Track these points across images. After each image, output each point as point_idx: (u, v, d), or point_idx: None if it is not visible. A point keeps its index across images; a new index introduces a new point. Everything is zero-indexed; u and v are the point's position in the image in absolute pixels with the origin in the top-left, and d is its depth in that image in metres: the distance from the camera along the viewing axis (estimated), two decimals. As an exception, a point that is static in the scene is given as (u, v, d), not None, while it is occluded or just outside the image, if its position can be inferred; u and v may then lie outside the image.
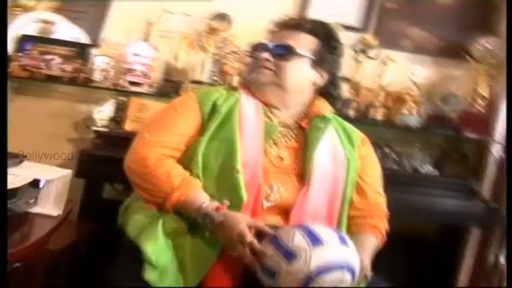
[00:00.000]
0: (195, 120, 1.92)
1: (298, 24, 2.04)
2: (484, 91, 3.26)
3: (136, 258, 1.62)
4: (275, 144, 1.95)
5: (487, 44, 3.26)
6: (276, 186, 1.86)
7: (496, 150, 3.23)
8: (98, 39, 3.19)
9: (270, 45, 1.99)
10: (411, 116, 3.20)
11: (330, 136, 1.99)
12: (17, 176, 1.82)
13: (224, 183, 1.80)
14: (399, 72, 3.30)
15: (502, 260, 2.96)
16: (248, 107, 1.95)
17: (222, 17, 3.21)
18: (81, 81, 2.98)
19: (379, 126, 3.10)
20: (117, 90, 2.95)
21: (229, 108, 1.92)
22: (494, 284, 3.01)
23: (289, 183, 1.88)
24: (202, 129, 1.90)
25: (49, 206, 2.01)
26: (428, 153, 3.17)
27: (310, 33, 2.01)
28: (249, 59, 2.11)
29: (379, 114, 3.20)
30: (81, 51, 3.04)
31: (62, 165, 2.25)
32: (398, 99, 3.32)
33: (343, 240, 1.64)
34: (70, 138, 3.11)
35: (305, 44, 1.99)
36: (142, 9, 3.18)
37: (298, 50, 1.96)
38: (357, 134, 2.09)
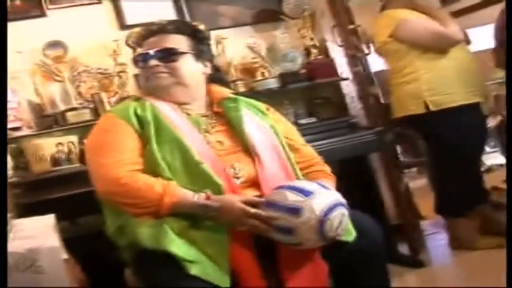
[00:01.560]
0: (131, 134, 1.96)
1: (161, 28, 2.16)
2: (312, 41, 3.62)
3: (169, 262, 1.69)
4: (207, 132, 2.07)
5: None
6: (236, 165, 1.99)
7: (345, 84, 3.66)
8: None
9: (152, 52, 2.08)
10: (267, 80, 3.45)
11: (245, 112, 2.16)
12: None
13: (195, 177, 1.89)
14: (234, 47, 3.53)
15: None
16: (167, 109, 2.04)
17: (54, 45, 3.17)
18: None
19: (247, 97, 3.30)
20: None
21: (152, 114, 2.00)
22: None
23: (243, 160, 2.02)
24: (140, 140, 1.96)
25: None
26: (297, 106, 3.49)
27: (176, 33, 2.15)
28: (139, 70, 2.18)
29: (240, 87, 3.39)
30: None
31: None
32: (247, 70, 3.58)
33: (323, 186, 1.86)
34: None
35: (179, 43, 2.12)
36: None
37: (179, 49, 2.09)
38: (260, 104, 2.28)
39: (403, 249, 3.30)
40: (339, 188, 2.01)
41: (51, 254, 1.62)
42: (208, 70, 2.19)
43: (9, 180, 2.63)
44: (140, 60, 2.11)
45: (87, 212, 2.44)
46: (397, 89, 3.26)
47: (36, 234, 1.75)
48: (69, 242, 1.96)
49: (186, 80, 2.08)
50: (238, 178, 1.96)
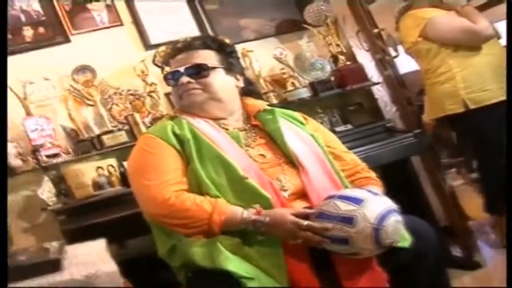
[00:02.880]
0: (172, 153, 1.96)
1: (188, 45, 2.15)
2: (338, 47, 3.61)
3: (226, 280, 1.67)
4: (248, 146, 2.05)
5: (317, 8, 3.63)
6: (282, 177, 1.97)
7: (376, 88, 3.63)
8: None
9: (182, 69, 2.07)
10: (298, 90, 3.44)
11: (283, 122, 2.14)
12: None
13: (241, 192, 1.87)
14: (261, 60, 3.54)
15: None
16: (204, 126, 2.03)
17: (82, 69, 3.21)
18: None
19: (278, 107, 3.29)
20: (43, 168, 2.88)
21: (190, 132, 1.99)
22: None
23: (288, 171, 1.99)
24: (182, 158, 1.95)
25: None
26: (330, 114, 3.47)
27: (204, 48, 2.13)
28: (171, 88, 2.17)
29: (272, 99, 3.38)
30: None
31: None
32: (277, 81, 3.58)
33: (373, 193, 1.82)
34: (25, 228, 3.00)
35: (207, 58, 2.11)
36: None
37: (209, 65, 2.08)
38: (297, 114, 2.26)
39: (455, 251, 3.26)
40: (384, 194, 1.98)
41: (110, 278, 1.61)
42: (241, 83, 2.18)
43: (53, 207, 2.68)
44: (171, 78, 2.10)
45: (134, 234, 2.43)
46: (432, 89, 3.21)
47: (91, 259, 1.75)
48: (120, 265, 1.95)
49: (220, 94, 2.07)
50: (285, 190, 1.93)
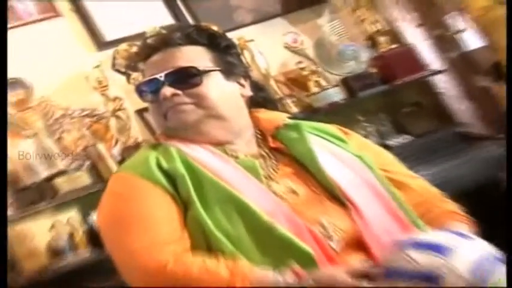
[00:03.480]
0: (162, 198, 1.93)
1: (165, 40, 2.13)
2: (376, 25, 3.62)
3: None
4: (270, 179, 2.04)
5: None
6: (324, 220, 1.95)
7: (439, 78, 3.63)
8: None
9: (161, 77, 2.04)
10: (326, 90, 3.47)
11: (316, 141, 2.12)
12: None
13: (269, 246, 1.84)
14: (267, 52, 3.55)
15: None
16: (202, 155, 2.01)
17: (11, 84, 3.20)
18: None
19: (302, 118, 3.30)
20: None
21: (184, 165, 1.97)
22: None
23: (331, 211, 1.97)
24: (177, 204, 1.93)
25: None
26: (377, 122, 3.47)
27: (189, 44, 2.11)
28: (148, 105, 2.16)
29: (291, 107, 3.42)
30: None
31: None
32: (294, 81, 3.60)
33: (461, 235, 1.80)
34: None
35: (196, 57, 2.08)
36: None
37: (199, 67, 2.06)
38: (331, 127, 2.25)
39: None
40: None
41: None
42: (248, 90, 2.15)
43: None
44: (147, 90, 2.08)
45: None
46: None
47: None
48: None
49: (220, 109, 2.04)
50: (331, 239, 1.91)
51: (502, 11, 3.18)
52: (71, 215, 3.01)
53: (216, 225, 1.86)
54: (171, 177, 1.93)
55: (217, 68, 2.06)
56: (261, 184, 1.97)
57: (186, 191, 1.90)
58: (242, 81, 2.13)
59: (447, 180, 2.88)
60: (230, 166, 1.98)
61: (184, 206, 1.91)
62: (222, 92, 2.05)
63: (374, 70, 3.53)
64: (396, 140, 3.38)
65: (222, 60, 2.09)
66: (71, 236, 2.97)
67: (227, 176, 1.95)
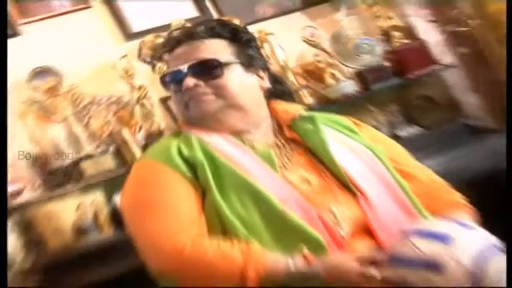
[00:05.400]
0: (182, 184, 1.95)
1: (189, 33, 2.14)
2: (390, 20, 3.61)
3: None
4: (285, 168, 2.05)
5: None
6: (335, 208, 1.96)
7: (450, 73, 3.62)
8: None
9: (184, 68, 2.06)
10: (341, 82, 3.47)
11: (329, 133, 2.13)
12: None
13: (280, 232, 1.86)
14: (286, 44, 3.54)
15: None
16: (221, 143, 2.03)
17: (42, 72, 3.23)
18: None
19: (318, 110, 3.30)
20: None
21: (203, 153, 1.98)
22: None
23: (342, 199, 1.98)
24: (196, 190, 1.95)
25: None
26: (389, 113, 3.47)
27: (211, 37, 2.12)
28: (173, 96, 2.18)
29: (307, 98, 3.41)
30: None
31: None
32: (311, 73, 3.59)
33: (464, 225, 1.80)
34: None
35: (218, 50, 2.10)
36: None
37: (221, 60, 2.07)
38: (345, 119, 2.26)
39: None
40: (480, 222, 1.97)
41: None
42: (266, 82, 2.17)
43: (20, 266, 2.70)
44: (171, 81, 2.09)
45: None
46: None
47: None
48: None
49: (239, 100, 2.06)
50: (341, 226, 1.92)
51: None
52: (96, 197, 3.00)
53: (231, 210, 1.88)
54: (191, 164, 1.95)
55: (238, 61, 2.08)
56: (275, 173, 1.99)
57: (204, 178, 1.92)
58: (261, 73, 2.15)
59: (454, 170, 2.87)
60: (247, 155, 2.01)
61: (202, 192, 1.93)
62: (241, 83, 2.07)
63: (387, 64, 3.51)
64: (406, 131, 3.38)
65: (243, 54, 2.11)
66: (95, 216, 2.98)
67: (243, 164, 1.97)
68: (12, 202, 2.89)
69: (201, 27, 2.14)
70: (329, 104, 3.34)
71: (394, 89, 3.55)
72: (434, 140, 3.22)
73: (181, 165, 1.96)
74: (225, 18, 3.41)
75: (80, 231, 2.94)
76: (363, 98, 3.45)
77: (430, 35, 3.65)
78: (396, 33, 3.55)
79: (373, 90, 3.43)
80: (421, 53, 3.54)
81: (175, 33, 2.19)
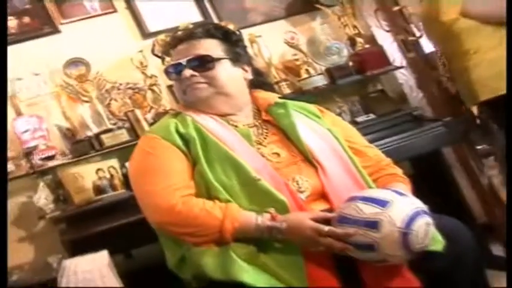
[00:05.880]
0: (177, 155, 1.97)
1: (189, 34, 2.15)
2: (355, 29, 3.59)
3: None
4: (260, 144, 2.06)
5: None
6: (298, 177, 1.97)
7: (401, 72, 3.62)
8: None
9: (184, 61, 2.07)
10: (313, 77, 3.44)
11: (297, 117, 2.13)
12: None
13: (254, 195, 1.87)
14: (271, 45, 3.52)
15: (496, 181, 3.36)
16: (210, 123, 2.04)
17: (75, 62, 3.21)
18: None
19: (293, 99, 3.28)
20: (38, 172, 2.91)
21: (195, 131, 2.00)
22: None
23: (305, 171, 2.00)
24: (188, 160, 1.96)
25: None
26: (350, 103, 3.47)
27: (207, 37, 2.13)
28: (174, 82, 2.18)
29: (285, 89, 3.39)
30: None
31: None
32: (290, 69, 3.57)
33: (399, 193, 1.81)
34: (21, 238, 3.02)
35: (211, 48, 2.11)
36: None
37: (214, 56, 2.08)
38: (311, 106, 2.26)
39: (496, 249, 3.20)
40: (414, 191, 1.97)
41: None
42: (249, 75, 2.18)
43: (51, 215, 2.75)
44: (173, 71, 2.11)
45: (141, 242, 2.43)
46: (476, 71, 3.06)
47: (92, 277, 1.75)
48: (126, 277, 1.95)
49: (227, 88, 2.07)
50: (302, 192, 1.93)
51: (464, 25, 3.07)
52: (112, 163, 3.01)
53: (215, 177, 1.89)
54: (185, 139, 1.98)
55: (227, 57, 2.10)
56: (252, 148, 2.01)
57: (195, 151, 1.94)
58: (246, 67, 2.17)
59: (401, 149, 2.95)
60: (230, 133, 2.02)
61: (193, 162, 1.95)
62: (229, 75, 2.08)
63: (351, 63, 3.49)
64: (363, 118, 3.36)
65: (232, 51, 2.12)
66: (111, 178, 2.99)
67: (227, 140, 1.98)
68: (47, 164, 2.91)
69: (199, 29, 2.16)
70: (303, 94, 3.32)
71: (355, 84, 3.53)
72: (386, 126, 3.22)
73: (177, 139, 1.97)
74: (221, 22, 3.40)
75: (98, 190, 2.95)
76: (330, 90, 3.43)
77: (386, 42, 3.63)
78: (359, 40, 3.52)
79: (339, 84, 3.40)
80: (378, 56, 3.52)
81: (178, 34, 2.21)
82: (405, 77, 3.62)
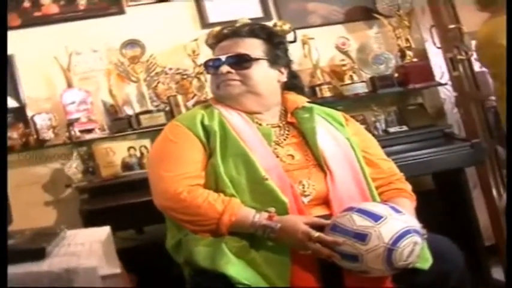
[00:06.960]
0: (196, 145, 2.00)
1: (234, 32, 2.16)
2: (407, 42, 3.53)
3: (223, 284, 1.71)
4: (278, 145, 2.07)
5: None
6: (305, 181, 1.98)
7: (446, 89, 3.55)
8: (20, 99, 3.15)
9: (223, 58, 2.09)
10: (355, 84, 3.41)
11: (320, 122, 2.13)
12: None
13: (259, 194, 1.90)
14: (323, 48, 3.51)
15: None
16: (235, 119, 2.06)
17: (132, 43, 3.27)
18: (35, 144, 2.98)
19: (332, 103, 3.28)
20: (75, 143, 3.00)
21: (219, 124, 2.02)
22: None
23: (314, 175, 2.00)
24: (205, 151, 1.99)
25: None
26: (387, 113, 3.44)
27: (251, 37, 2.14)
28: (210, 76, 2.21)
29: (326, 92, 3.38)
30: (17, 115, 3.02)
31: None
32: (336, 73, 3.55)
33: (396, 210, 1.80)
34: (48, 202, 3.11)
35: (253, 47, 2.11)
36: (47, 58, 3.16)
37: (252, 55, 2.09)
38: (337, 114, 2.25)
39: (497, 274, 3.11)
40: (431, 205, 1.94)
41: (88, 275, 1.57)
42: (284, 77, 2.18)
43: (77, 184, 2.83)
44: (211, 66, 2.13)
45: (155, 221, 2.48)
46: None
47: (78, 251, 1.75)
48: (134, 251, 2.00)
49: (259, 88, 2.08)
50: (306, 196, 1.95)
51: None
52: (144, 143, 3.05)
53: (226, 172, 1.93)
54: (207, 131, 2.01)
55: (266, 58, 2.10)
56: (269, 147, 2.01)
57: (214, 144, 1.97)
58: (282, 69, 2.17)
59: (424, 164, 2.91)
60: (252, 130, 2.04)
61: (210, 154, 1.97)
62: (264, 75, 2.09)
63: (396, 75, 3.45)
64: (395, 129, 3.32)
65: (272, 53, 2.13)
66: (141, 157, 3.04)
67: (246, 137, 2.00)
68: (84, 137, 2.99)
69: (245, 27, 2.17)
70: (342, 99, 3.32)
71: (396, 95, 3.49)
72: (415, 139, 3.18)
73: (199, 130, 2.01)
74: (279, 21, 3.44)
75: (126, 166, 3.01)
76: (369, 98, 3.40)
77: (436, 58, 3.57)
78: (409, 53, 3.47)
79: (379, 93, 3.38)
80: (423, 70, 3.46)
81: (225, 30, 2.22)
82: (448, 94, 3.54)
